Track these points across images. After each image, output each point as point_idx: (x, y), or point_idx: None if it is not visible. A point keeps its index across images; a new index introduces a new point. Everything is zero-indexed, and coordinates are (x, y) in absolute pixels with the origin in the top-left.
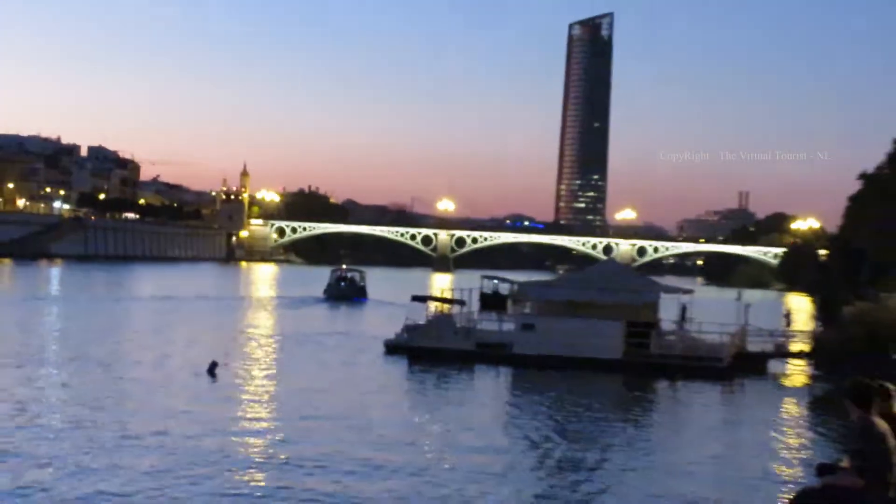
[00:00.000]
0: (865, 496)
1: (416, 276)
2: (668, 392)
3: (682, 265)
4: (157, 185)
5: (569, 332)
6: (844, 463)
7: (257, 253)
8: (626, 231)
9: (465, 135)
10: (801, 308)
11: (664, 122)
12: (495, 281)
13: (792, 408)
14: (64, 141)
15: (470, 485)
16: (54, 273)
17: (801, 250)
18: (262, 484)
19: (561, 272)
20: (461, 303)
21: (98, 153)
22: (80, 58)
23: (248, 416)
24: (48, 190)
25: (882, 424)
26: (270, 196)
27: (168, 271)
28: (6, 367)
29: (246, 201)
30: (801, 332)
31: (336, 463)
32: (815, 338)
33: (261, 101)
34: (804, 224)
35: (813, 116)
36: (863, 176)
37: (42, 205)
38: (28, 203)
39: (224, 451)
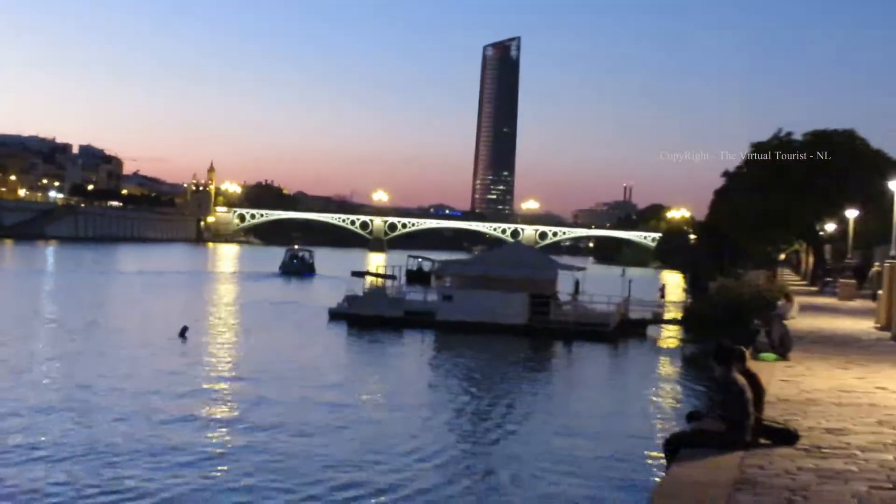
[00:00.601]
0: (726, 437)
1: (356, 255)
2: (565, 352)
3: (576, 247)
4: (137, 179)
5: (482, 302)
6: (709, 410)
7: (222, 235)
8: (530, 218)
9: (396, 137)
10: (674, 283)
11: (563, 127)
12: (420, 259)
13: (666, 366)
14: (58, 140)
15: (398, 432)
16: (49, 251)
17: (674, 235)
18: (223, 432)
19: (476, 252)
20: (392, 277)
21: (87, 151)
22: (72, 66)
23: (212, 373)
24: (45, 182)
25: (740, 379)
26: (233, 188)
27: (146, 250)
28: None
29: (212, 192)
30: (674, 302)
31: (285, 414)
32: (686, 308)
33: (226, 106)
34: (677, 213)
35: (688, 122)
36: (725, 174)
37: (39, 194)
38: (28, 193)
39: (190, 404)
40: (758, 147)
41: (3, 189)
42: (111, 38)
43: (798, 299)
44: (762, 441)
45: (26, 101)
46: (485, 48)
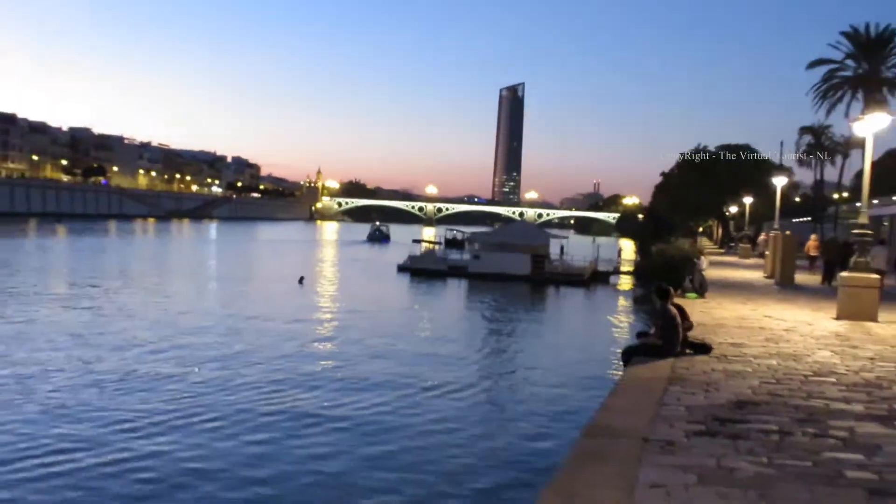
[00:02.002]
0: (663, 349)
1: (415, 229)
2: (554, 293)
3: (562, 223)
4: (270, 179)
5: (499, 260)
6: (652, 331)
7: (326, 216)
8: (531, 204)
9: (442, 149)
10: (628, 248)
11: (554, 141)
12: (455, 232)
13: (623, 302)
14: (218, 153)
15: (444, 342)
16: (213, 226)
17: (628, 215)
18: (327, 346)
19: (495, 227)
20: (438, 243)
21: (237, 160)
22: (229, 98)
23: (322, 307)
24: (209, 181)
25: (673, 310)
26: (333, 184)
27: (276, 226)
28: (182, 278)
29: (319, 187)
30: (628, 260)
31: (370, 329)
32: (636, 263)
33: (329, 127)
34: (630, 200)
35: (639, 137)
36: (663, 174)
37: (206, 189)
38: (198, 188)
39: (307, 325)
40: (684, 156)
41: (182, 186)
42: (260, 75)
43: (710, 257)
44: (687, 351)
45: (197, 124)
46: (501, 90)
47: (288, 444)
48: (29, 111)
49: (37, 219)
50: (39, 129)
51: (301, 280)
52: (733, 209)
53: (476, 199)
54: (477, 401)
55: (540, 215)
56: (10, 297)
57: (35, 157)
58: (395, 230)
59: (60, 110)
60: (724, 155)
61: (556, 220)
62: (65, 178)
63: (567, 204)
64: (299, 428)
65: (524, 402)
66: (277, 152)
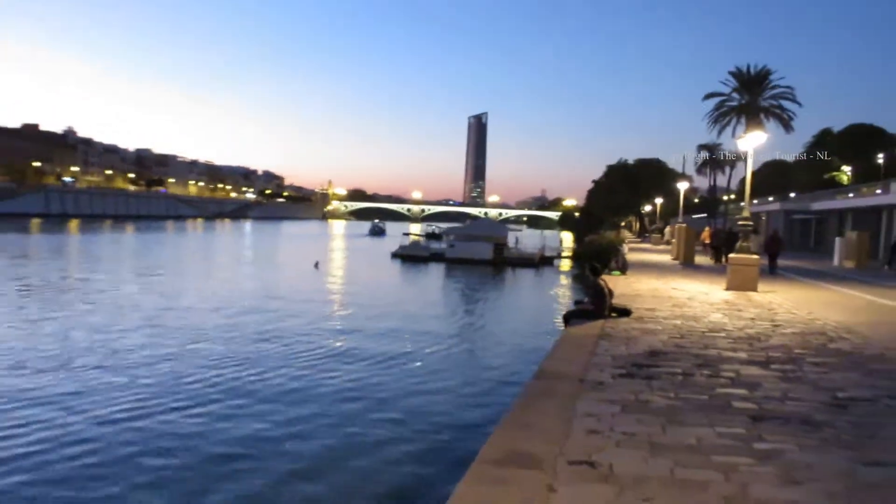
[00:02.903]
0: (594, 313)
1: (404, 226)
2: (510, 274)
3: (518, 220)
4: (292, 187)
5: (469, 248)
6: (586, 299)
7: (335, 216)
8: (493, 205)
9: (426, 163)
10: (567, 238)
11: (510, 158)
12: (434, 227)
13: (564, 279)
14: (251, 167)
15: (425, 309)
16: (248, 224)
17: (568, 213)
18: (336, 324)
19: (467, 223)
20: (422, 236)
21: (266, 173)
22: (262, 120)
23: (334, 285)
24: (244, 189)
25: (602, 283)
26: (341, 191)
27: (296, 224)
28: (226, 263)
29: (330, 194)
30: (568, 248)
31: (372, 298)
32: (574, 250)
33: (338, 145)
34: (570, 202)
35: (575, 153)
36: (594, 181)
37: (242, 196)
38: (235, 195)
39: (323, 300)
40: (610, 167)
41: (223, 193)
42: (283, 104)
43: (629, 245)
44: (613, 315)
45: (235, 144)
46: (469, 117)
47: (322, 379)
48: (103, 134)
49: (111, 220)
50: (112, 149)
51: (316, 264)
52: (647, 208)
53: (451, 202)
54: (453, 353)
55: (500, 214)
56: (95, 279)
57: (108, 172)
58: (390, 226)
59: (127, 132)
60: (640, 166)
61: (513, 218)
62: (132, 188)
63: (521, 205)
64: (325, 369)
65: (490, 354)
66: (297, 166)
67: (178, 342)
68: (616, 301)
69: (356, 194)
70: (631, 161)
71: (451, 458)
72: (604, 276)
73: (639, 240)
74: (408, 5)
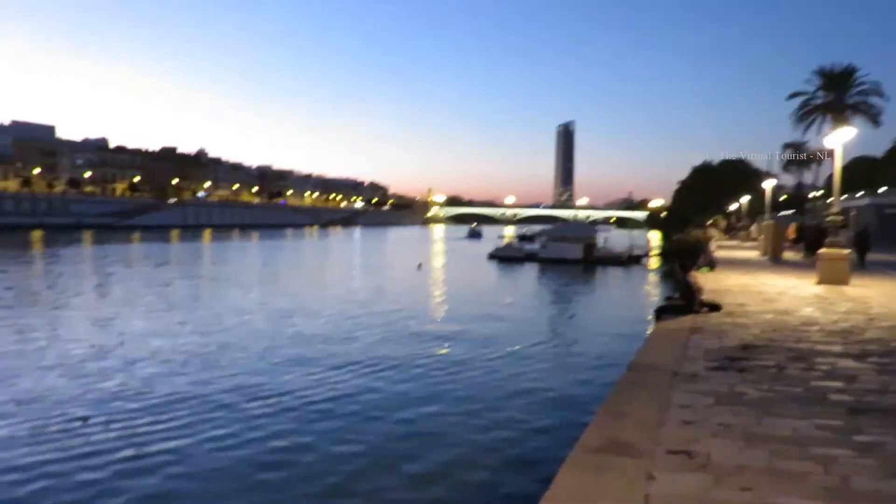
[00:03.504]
0: (685, 308)
1: (498, 229)
2: (601, 272)
3: (605, 221)
4: (395, 196)
5: (560, 248)
6: (676, 295)
7: (435, 221)
8: (582, 208)
9: (517, 168)
10: (655, 237)
11: (597, 161)
12: (526, 229)
13: (653, 276)
14: (358, 179)
15: (522, 309)
16: (357, 231)
17: (655, 213)
18: (439, 319)
19: (557, 225)
20: (515, 238)
21: (372, 184)
22: (366, 135)
23: (436, 284)
24: (352, 199)
25: (692, 278)
26: (440, 198)
27: (400, 230)
28: (337, 265)
29: (430, 201)
30: (655, 246)
31: (468, 302)
32: (662, 248)
33: (439, 157)
34: (657, 201)
35: (661, 150)
36: (680, 182)
37: (351, 205)
38: (345, 204)
39: (426, 299)
40: (695, 168)
41: (334, 203)
42: (386, 121)
43: (716, 242)
44: (703, 310)
45: (345, 158)
46: (557, 126)
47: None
48: (230, 153)
49: (238, 229)
50: (238, 167)
51: (419, 266)
52: (733, 206)
53: (541, 206)
54: (549, 345)
55: (589, 216)
56: (225, 281)
57: (235, 187)
58: (485, 229)
59: (251, 151)
60: (724, 167)
61: (601, 219)
62: (256, 200)
63: (608, 206)
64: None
65: (583, 346)
66: (400, 176)
67: (300, 342)
68: (706, 296)
69: (454, 201)
70: (715, 162)
71: (549, 445)
72: (693, 273)
73: (726, 237)
74: (499, 21)
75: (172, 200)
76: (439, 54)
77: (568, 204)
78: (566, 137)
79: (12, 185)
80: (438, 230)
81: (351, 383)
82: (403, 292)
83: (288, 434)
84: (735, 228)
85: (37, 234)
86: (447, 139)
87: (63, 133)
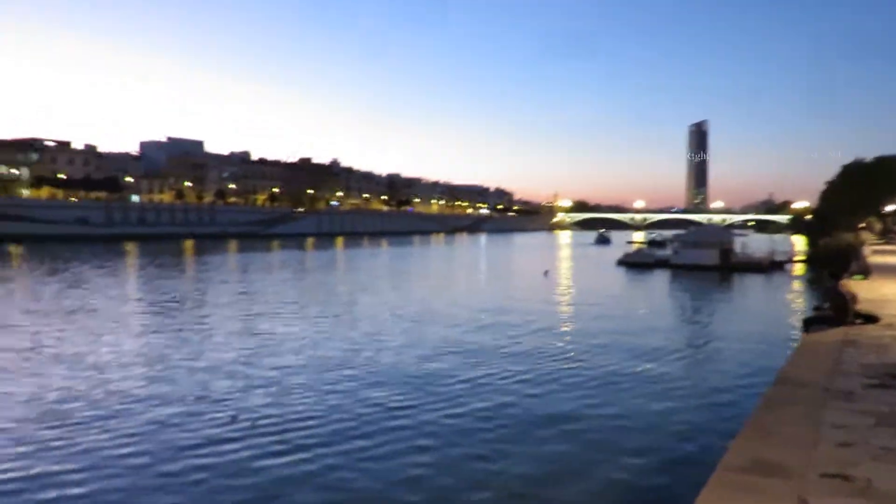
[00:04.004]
0: (836, 319)
1: (627, 234)
2: (738, 279)
3: (743, 225)
4: (520, 202)
5: (694, 254)
6: (826, 305)
7: (561, 227)
8: (716, 211)
9: (646, 170)
10: (799, 242)
11: (733, 162)
12: (656, 234)
13: (797, 284)
14: (484, 185)
15: (655, 317)
16: (483, 237)
17: (798, 216)
18: (569, 328)
19: (689, 230)
20: (645, 243)
21: (497, 190)
22: (490, 142)
23: (563, 292)
24: (478, 205)
25: (844, 287)
26: (566, 203)
27: (525, 236)
28: (465, 271)
29: (555, 207)
30: (800, 251)
31: (599, 311)
32: (807, 254)
33: (563, 165)
34: (801, 203)
35: (803, 149)
36: (827, 182)
37: (476, 211)
38: (471, 211)
39: (556, 305)
40: (845, 167)
41: (460, 209)
42: (509, 125)
43: (871, 247)
44: (857, 321)
45: (470, 165)
46: (689, 125)
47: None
48: (360, 163)
49: (368, 236)
50: (368, 176)
51: (546, 273)
52: (890, 207)
53: (672, 209)
54: (684, 357)
55: (724, 219)
56: (362, 287)
57: (366, 196)
58: (613, 235)
59: (380, 160)
60: (881, 164)
61: (738, 223)
62: (384, 208)
63: (746, 209)
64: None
65: (721, 359)
66: (525, 181)
67: (439, 350)
68: (860, 306)
69: (580, 206)
70: (868, 159)
71: (689, 464)
72: (844, 281)
73: (881, 242)
74: (625, 21)
75: (302, 210)
76: (563, 58)
77: (701, 207)
78: (698, 137)
79: (167, 197)
80: (564, 236)
81: (497, 392)
82: (530, 301)
83: (434, 448)
84: (892, 232)
85: (188, 243)
86: (573, 143)
87: (210, 147)
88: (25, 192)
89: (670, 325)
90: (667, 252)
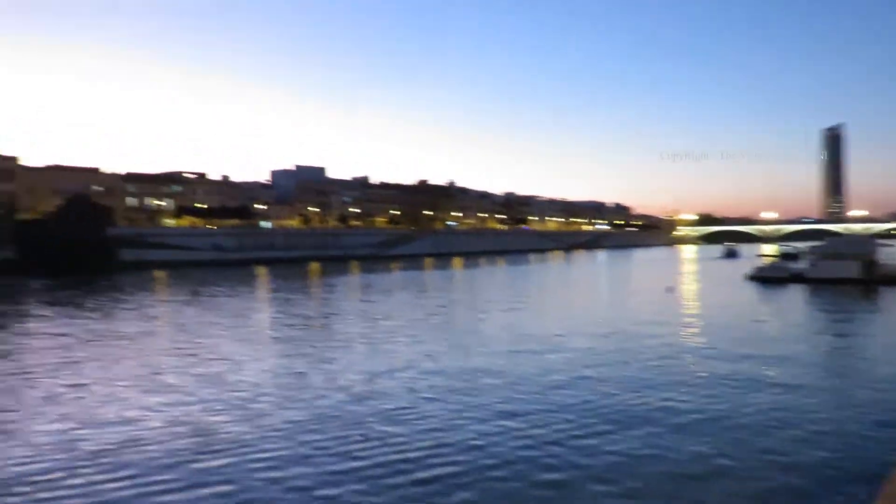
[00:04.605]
0: None
1: (756, 247)
2: (882, 293)
3: (889, 234)
4: (639, 216)
5: (833, 267)
6: None
7: (684, 241)
8: (856, 220)
9: (775, 180)
10: None
11: (874, 167)
12: (789, 246)
13: None
14: (601, 200)
15: (794, 336)
16: (601, 253)
17: None
18: (698, 348)
19: (826, 241)
20: (777, 256)
21: (616, 205)
22: (605, 158)
23: (690, 309)
24: (595, 221)
25: None
26: (690, 216)
27: (645, 251)
28: (581, 292)
29: (677, 219)
30: None
31: (726, 329)
32: None
33: (684, 172)
34: None
35: None
36: None
37: (593, 227)
38: (588, 227)
39: (686, 323)
40: None
41: (577, 227)
42: (625, 140)
43: None
44: None
45: (586, 181)
46: (822, 130)
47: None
48: (476, 183)
49: (485, 255)
50: (483, 195)
51: (669, 289)
52: None
53: (805, 220)
54: (826, 382)
55: (867, 229)
56: (487, 304)
57: (482, 215)
58: (742, 248)
59: (496, 179)
60: None
61: (884, 232)
62: (501, 227)
63: (890, 217)
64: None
65: (876, 387)
66: (645, 196)
67: (574, 368)
68: None
69: (704, 219)
70: None
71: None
72: None
73: None
74: (741, 24)
75: (420, 231)
76: (682, 66)
77: (839, 216)
78: (833, 142)
79: (293, 222)
80: (688, 250)
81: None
82: (655, 319)
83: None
84: None
85: (314, 266)
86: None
87: (332, 173)
88: (170, 222)
89: (808, 345)
90: (802, 265)
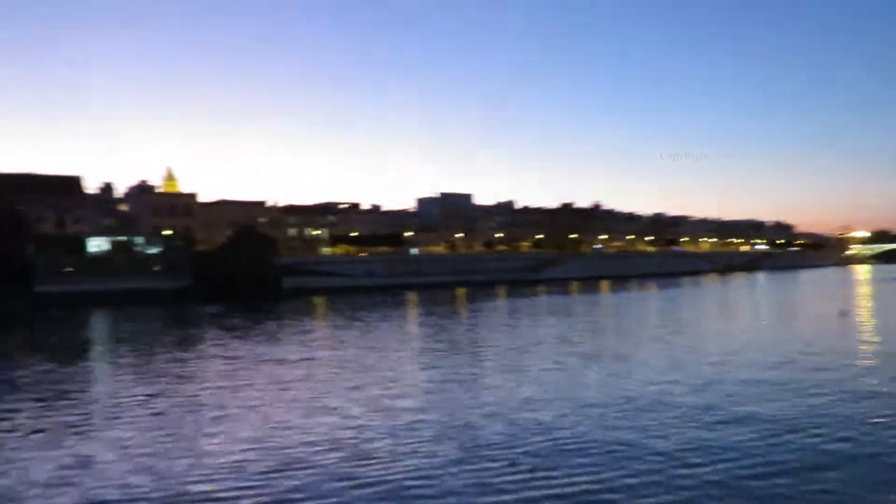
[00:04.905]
0: None
1: None
2: None
3: None
4: (804, 235)
5: None
6: None
7: (856, 260)
8: None
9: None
10: None
11: None
12: None
13: None
14: (760, 219)
15: None
16: (761, 275)
17: None
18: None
19: None
20: None
21: (777, 224)
22: (756, 175)
23: (867, 336)
24: (753, 241)
25: None
26: (864, 234)
27: (811, 272)
28: (746, 317)
29: (847, 237)
30: None
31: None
32: None
33: (857, 183)
34: None
35: None
36: None
37: (751, 248)
38: (746, 248)
39: (857, 357)
40: None
41: (733, 247)
42: (764, 153)
43: None
44: None
45: (743, 197)
46: None
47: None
48: (622, 204)
49: (633, 278)
50: (631, 217)
51: (842, 313)
52: None
53: None
54: None
55: None
56: (644, 331)
57: (629, 237)
58: None
59: (643, 200)
60: None
61: None
62: (650, 249)
63: None
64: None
65: None
66: (809, 213)
67: (739, 397)
68: None
69: (880, 235)
70: None
71: None
72: None
73: None
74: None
75: (566, 254)
76: (850, 72)
77: None
78: None
79: (440, 248)
80: (861, 271)
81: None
82: (829, 347)
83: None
84: None
85: (460, 291)
86: (865, 168)
87: (478, 199)
88: (326, 250)
89: None
90: None
